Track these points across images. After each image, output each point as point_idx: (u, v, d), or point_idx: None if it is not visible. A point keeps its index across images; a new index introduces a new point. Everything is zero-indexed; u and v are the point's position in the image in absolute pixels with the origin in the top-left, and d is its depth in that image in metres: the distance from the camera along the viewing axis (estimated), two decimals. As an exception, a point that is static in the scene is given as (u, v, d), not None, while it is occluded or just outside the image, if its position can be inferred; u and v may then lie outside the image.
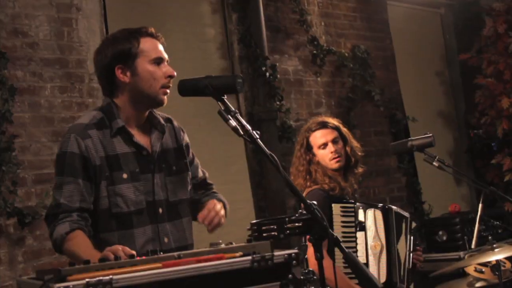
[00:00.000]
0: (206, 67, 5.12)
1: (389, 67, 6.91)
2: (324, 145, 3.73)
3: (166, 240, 2.64)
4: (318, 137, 3.75)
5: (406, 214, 3.69)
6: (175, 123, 2.85)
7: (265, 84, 5.49)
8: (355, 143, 3.83)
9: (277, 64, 5.65)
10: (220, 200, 2.83)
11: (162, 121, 2.76)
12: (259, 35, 5.51)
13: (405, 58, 7.14)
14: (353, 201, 3.52)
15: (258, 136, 2.21)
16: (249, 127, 2.21)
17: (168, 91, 2.66)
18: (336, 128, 3.78)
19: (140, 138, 2.67)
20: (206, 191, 2.94)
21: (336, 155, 3.69)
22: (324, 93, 6.17)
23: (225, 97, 2.28)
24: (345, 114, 6.25)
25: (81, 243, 2.45)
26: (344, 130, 3.82)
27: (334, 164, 3.69)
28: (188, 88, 2.36)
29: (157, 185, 2.66)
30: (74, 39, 4.54)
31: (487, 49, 6.81)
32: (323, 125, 3.78)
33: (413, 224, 3.72)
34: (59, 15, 4.49)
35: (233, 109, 2.25)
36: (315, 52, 6.10)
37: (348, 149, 3.76)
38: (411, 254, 3.65)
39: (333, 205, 3.41)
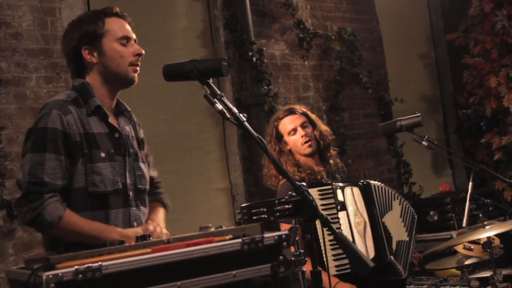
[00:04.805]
0: (189, 56, 5.08)
1: (376, 49, 6.89)
2: (294, 131, 3.73)
3: (135, 224, 2.64)
4: (287, 124, 3.76)
5: (392, 189, 3.68)
6: (134, 116, 2.85)
7: (252, 69, 5.47)
8: (324, 127, 3.84)
9: (264, 48, 5.62)
10: (161, 202, 2.89)
11: (128, 108, 2.78)
12: (245, 20, 5.48)
13: (391, 39, 7.12)
14: (329, 183, 3.50)
15: (245, 119, 2.20)
16: (235, 110, 2.19)
17: (138, 68, 2.67)
18: (304, 114, 3.79)
19: (112, 120, 2.68)
20: (152, 189, 2.91)
21: (307, 139, 3.70)
22: (311, 76, 6.15)
23: (211, 80, 2.27)
24: (333, 97, 6.25)
25: (79, 220, 2.48)
26: (312, 115, 3.84)
27: (306, 149, 3.70)
28: (172, 72, 2.34)
29: (127, 169, 2.66)
30: (58, 28, 4.50)
31: (474, 28, 6.80)
32: (291, 112, 3.79)
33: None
34: (42, 5, 4.45)
35: (219, 92, 2.23)
36: (301, 35, 6.07)
37: (317, 133, 3.76)
38: (412, 248, 3.61)
39: (309, 190, 3.36)
